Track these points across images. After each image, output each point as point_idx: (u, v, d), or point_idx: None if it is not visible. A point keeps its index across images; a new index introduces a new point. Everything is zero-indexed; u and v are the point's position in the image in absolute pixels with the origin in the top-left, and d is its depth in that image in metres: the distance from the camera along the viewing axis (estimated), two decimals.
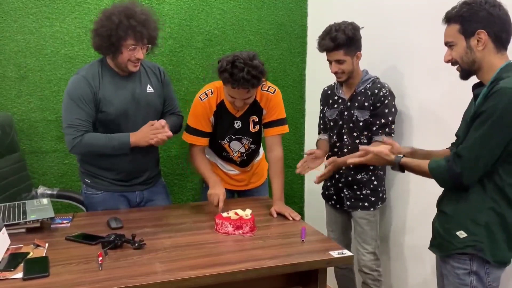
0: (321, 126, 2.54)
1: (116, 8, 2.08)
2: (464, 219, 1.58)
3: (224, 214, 1.97)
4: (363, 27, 2.24)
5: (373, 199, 2.35)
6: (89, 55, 2.76)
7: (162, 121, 2.13)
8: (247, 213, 1.97)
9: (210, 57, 3.05)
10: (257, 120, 2.26)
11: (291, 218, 2.11)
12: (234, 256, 1.72)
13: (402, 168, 1.75)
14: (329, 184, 2.50)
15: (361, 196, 2.36)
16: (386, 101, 2.22)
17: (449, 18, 1.58)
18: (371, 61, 2.45)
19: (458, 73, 1.62)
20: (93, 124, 2.15)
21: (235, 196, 2.54)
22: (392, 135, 2.26)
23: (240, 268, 1.60)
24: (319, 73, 3.22)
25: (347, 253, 1.74)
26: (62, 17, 2.72)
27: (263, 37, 3.16)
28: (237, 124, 2.24)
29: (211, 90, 2.22)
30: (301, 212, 3.44)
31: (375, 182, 2.35)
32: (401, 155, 1.77)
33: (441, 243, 1.67)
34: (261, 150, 2.53)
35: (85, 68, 2.19)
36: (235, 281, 1.62)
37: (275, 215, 2.15)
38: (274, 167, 2.28)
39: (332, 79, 3.01)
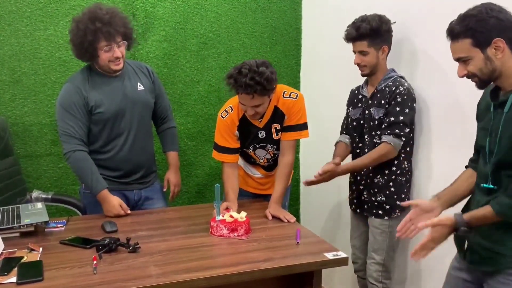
0: (344, 127, 2.45)
1: (82, 14, 2.13)
2: None
3: (219, 217, 1.97)
4: (395, 22, 2.18)
5: (387, 207, 2.20)
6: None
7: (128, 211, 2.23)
8: (242, 215, 1.97)
9: (205, 60, 3.06)
10: (279, 128, 2.26)
11: (286, 221, 2.11)
12: (228, 259, 1.72)
13: (470, 227, 1.49)
14: (354, 187, 2.39)
15: (375, 203, 2.24)
16: (400, 99, 2.10)
17: (457, 34, 1.48)
18: None
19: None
20: (89, 127, 2.22)
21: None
22: (403, 139, 2.10)
23: (235, 271, 1.60)
24: (313, 76, 3.23)
25: (341, 254, 1.74)
26: (56, 21, 2.72)
27: (258, 40, 3.17)
28: (261, 134, 2.26)
29: (230, 106, 2.25)
30: (296, 214, 3.45)
31: (392, 189, 2.20)
32: (460, 213, 1.53)
33: (492, 257, 1.52)
34: None
35: (74, 75, 2.27)
36: (229, 284, 1.62)
37: (270, 218, 2.15)
38: (280, 170, 2.28)
39: (328, 83, 3.04)
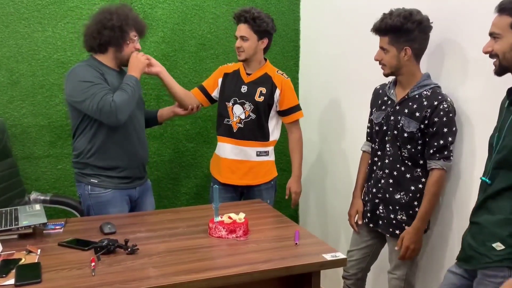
0: (368, 131, 2.26)
1: (113, 5, 2.23)
2: (501, 230, 1.46)
3: (218, 218, 1.97)
4: (432, 22, 1.94)
5: (406, 227, 1.99)
6: (81, 60, 2.75)
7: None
8: (240, 217, 1.97)
9: (203, 61, 3.06)
10: (265, 92, 2.50)
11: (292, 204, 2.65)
12: (227, 260, 1.72)
13: None
14: (367, 199, 2.19)
15: (394, 221, 2.04)
16: (445, 119, 1.88)
17: (503, 9, 1.41)
18: (367, 63, 2.46)
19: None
20: (94, 119, 2.17)
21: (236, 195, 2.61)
22: (451, 158, 1.93)
23: (234, 272, 1.60)
24: (312, 77, 3.23)
25: (340, 255, 1.74)
26: (55, 22, 2.72)
27: None
28: (243, 89, 2.52)
29: (233, 62, 2.62)
30: (295, 215, 3.45)
31: (417, 209, 1.98)
32: None
33: (473, 256, 1.54)
34: (271, 157, 2.59)
35: (80, 63, 2.24)
36: (228, 285, 1.62)
37: (286, 197, 2.66)
38: (292, 146, 2.65)
39: (326, 84, 3.04)
